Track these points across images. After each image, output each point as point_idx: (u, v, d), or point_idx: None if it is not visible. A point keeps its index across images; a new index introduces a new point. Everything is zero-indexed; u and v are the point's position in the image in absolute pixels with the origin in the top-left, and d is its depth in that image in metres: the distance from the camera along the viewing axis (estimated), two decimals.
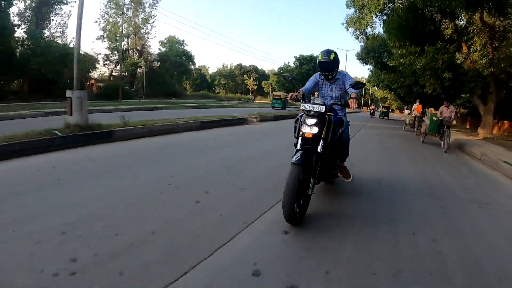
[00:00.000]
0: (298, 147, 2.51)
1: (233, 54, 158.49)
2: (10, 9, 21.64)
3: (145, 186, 3.06)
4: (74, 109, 4.98)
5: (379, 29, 14.26)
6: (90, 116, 5.71)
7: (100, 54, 34.39)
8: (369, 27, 13.14)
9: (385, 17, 12.84)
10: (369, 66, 26.93)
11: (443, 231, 2.56)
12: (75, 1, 26.95)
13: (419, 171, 5.09)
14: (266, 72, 73.91)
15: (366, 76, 36.58)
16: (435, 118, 8.77)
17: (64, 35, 26.55)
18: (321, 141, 2.50)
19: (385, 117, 29.07)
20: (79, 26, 5.32)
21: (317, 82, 3.21)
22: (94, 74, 32.91)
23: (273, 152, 5.54)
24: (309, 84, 3.19)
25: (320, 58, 2.97)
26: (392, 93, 29.34)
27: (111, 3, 32.06)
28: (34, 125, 5.47)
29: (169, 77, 38.54)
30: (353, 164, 4.47)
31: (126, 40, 33.89)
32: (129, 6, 32.70)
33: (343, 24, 13.98)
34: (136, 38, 34.62)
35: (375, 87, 39.76)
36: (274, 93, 33.04)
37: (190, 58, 43.96)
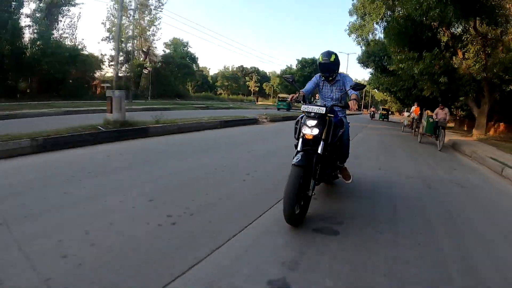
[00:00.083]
0: (299, 148, 2.54)
1: (234, 55, 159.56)
2: (22, 10, 22.36)
3: (201, 168, 3.94)
4: (114, 107, 5.70)
5: (379, 34, 15.07)
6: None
7: (106, 55, 35.15)
8: (370, 34, 13.91)
9: (385, 24, 13.65)
10: (369, 69, 27.67)
11: (429, 201, 3.40)
12: (83, 3, 27.47)
13: (415, 164, 5.83)
14: (267, 74, 74.72)
15: (367, 78, 37.41)
16: (431, 120, 9.50)
17: (74, 36, 27.19)
18: (322, 142, 2.52)
19: (384, 119, 29.84)
20: (118, 36, 6.03)
21: (317, 84, 3.24)
22: (104, 75, 33.61)
23: (291, 146, 6.41)
24: (309, 85, 3.21)
25: (320, 59, 3.00)
26: (392, 95, 30.14)
27: (117, 5, 32.84)
28: (61, 122, 6.20)
29: (173, 78, 39.30)
30: (357, 157, 5.22)
31: (131, 41, 34.63)
32: (135, 9, 33.45)
33: (345, 30, 14.79)
34: (142, 40, 35.36)
35: (375, 89, 40.60)
36: (280, 95, 34.18)
37: (193, 60, 44.79)
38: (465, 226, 2.77)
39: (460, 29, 12.50)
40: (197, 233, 2.17)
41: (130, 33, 32.36)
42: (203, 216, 2.44)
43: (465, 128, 23.55)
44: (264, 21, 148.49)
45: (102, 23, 39.16)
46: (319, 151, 2.50)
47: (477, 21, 11.56)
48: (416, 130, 12.60)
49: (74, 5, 28.04)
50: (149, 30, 35.31)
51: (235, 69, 72.08)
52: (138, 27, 34.09)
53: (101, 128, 5.42)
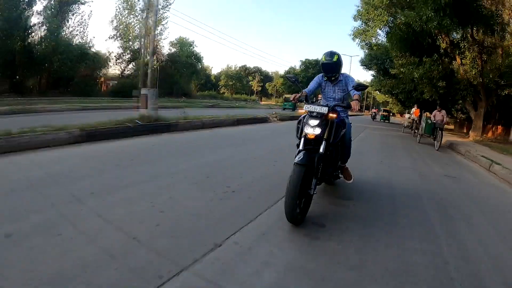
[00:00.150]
0: (301, 148, 2.56)
1: (236, 54, 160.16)
2: (34, 7, 22.92)
3: (237, 155, 4.86)
4: (149, 103, 6.39)
5: (382, 39, 15.75)
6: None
7: (112, 52, 35.78)
8: (373, 38, 14.58)
9: (388, 29, 14.33)
10: (372, 72, 28.33)
11: (423, 190, 4.03)
12: (92, 1, 28.07)
13: (413, 161, 6.52)
14: (270, 73, 75.39)
15: (369, 80, 38.04)
16: (429, 121, 10.19)
17: (84, 34, 27.79)
18: (324, 142, 2.55)
19: (385, 121, 30.53)
20: (153, 40, 6.75)
21: (320, 84, 3.25)
22: (107, 72, 34.21)
23: None
24: (312, 85, 3.22)
25: (323, 59, 3.01)
26: (394, 97, 30.82)
27: (125, 4, 33.49)
28: (86, 118, 6.81)
29: (179, 77, 39.97)
30: (362, 153, 5.92)
31: (138, 40, 35.27)
32: (143, 8, 34.11)
33: (350, 35, 15.46)
34: (149, 39, 35.92)
35: (377, 91, 41.27)
36: (286, 95, 35.08)
37: (198, 59, 45.49)
38: (452, 206, 3.41)
39: (459, 36, 13.17)
40: (239, 205, 2.70)
41: (137, 32, 33.07)
42: (244, 193, 3.03)
43: (465, 131, 24.16)
44: (268, 21, 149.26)
45: (112, 21, 39.83)
46: (321, 151, 2.52)
47: (474, 30, 12.26)
48: (416, 131, 13.21)
49: (83, 3, 28.69)
50: (156, 29, 35.94)
51: (238, 68, 72.72)
52: (145, 26, 34.69)
53: (139, 122, 6.09)
